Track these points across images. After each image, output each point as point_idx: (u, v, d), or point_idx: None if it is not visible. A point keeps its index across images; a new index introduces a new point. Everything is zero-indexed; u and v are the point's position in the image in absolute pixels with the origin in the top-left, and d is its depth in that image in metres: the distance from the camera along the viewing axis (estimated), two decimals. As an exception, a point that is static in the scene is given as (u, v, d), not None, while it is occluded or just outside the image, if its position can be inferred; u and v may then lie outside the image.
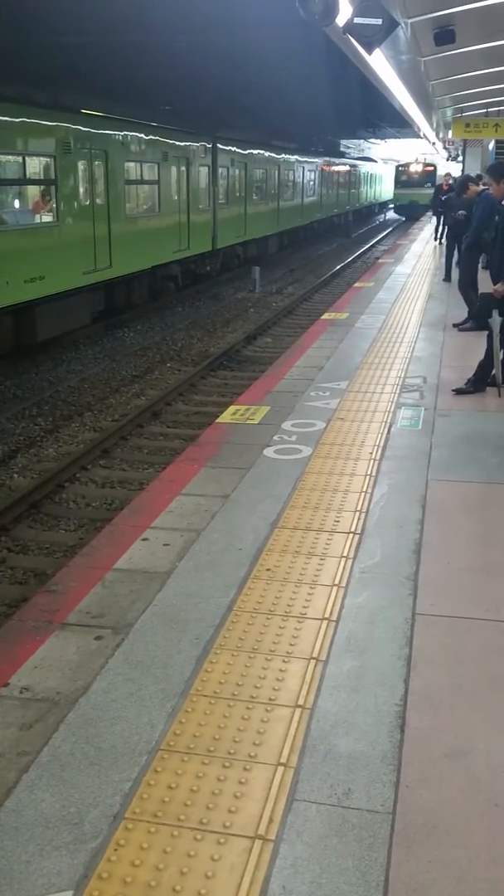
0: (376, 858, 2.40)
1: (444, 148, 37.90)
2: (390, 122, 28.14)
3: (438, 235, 22.60)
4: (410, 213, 45.59)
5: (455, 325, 10.94)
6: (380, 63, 11.45)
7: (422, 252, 21.96)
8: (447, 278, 15.41)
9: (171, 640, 3.52)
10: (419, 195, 46.02)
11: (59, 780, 2.70)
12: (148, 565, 4.23)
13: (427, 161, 49.31)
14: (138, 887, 2.30)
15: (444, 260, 16.48)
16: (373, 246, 33.36)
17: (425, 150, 49.29)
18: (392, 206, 53.52)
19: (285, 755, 2.82)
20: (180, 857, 2.40)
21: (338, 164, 41.04)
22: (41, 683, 3.22)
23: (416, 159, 49.41)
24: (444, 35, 10.35)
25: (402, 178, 48.22)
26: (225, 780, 2.71)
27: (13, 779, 2.70)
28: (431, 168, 47.76)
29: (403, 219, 48.00)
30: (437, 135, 31.88)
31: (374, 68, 12.00)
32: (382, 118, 26.89)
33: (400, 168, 49.05)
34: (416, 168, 48.12)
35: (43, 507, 7.67)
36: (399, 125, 28.91)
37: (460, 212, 12.71)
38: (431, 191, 42.33)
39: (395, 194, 50.48)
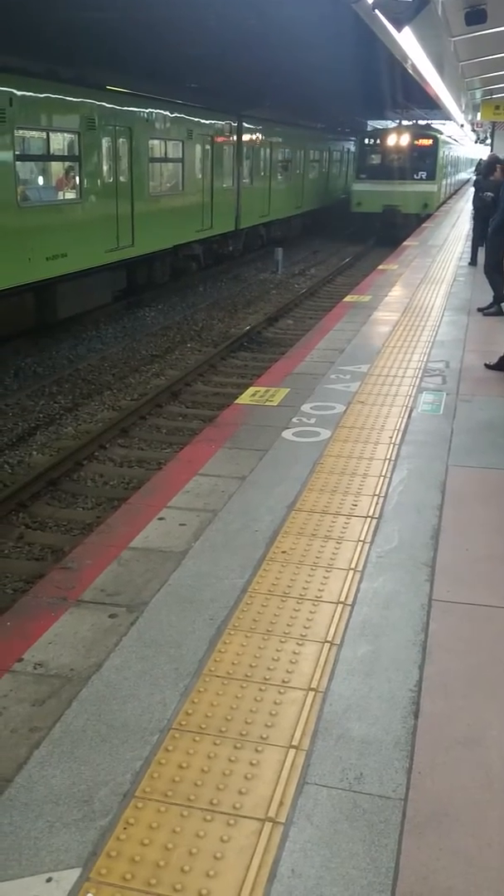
0: (387, 844, 2.38)
1: (473, 130, 37.26)
2: (418, 103, 27.20)
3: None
4: (388, 231, 25.37)
5: (480, 310, 10.83)
6: (409, 42, 11.27)
7: (448, 235, 21.72)
8: (473, 262, 15.25)
9: (185, 619, 3.51)
10: (405, 196, 25.85)
11: (70, 756, 2.70)
12: (163, 545, 4.22)
13: (420, 128, 28.34)
14: (147, 866, 2.30)
15: (470, 243, 16.29)
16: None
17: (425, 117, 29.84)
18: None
19: (297, 738, 2.80)
20: (189, 837, 2.40)
21: None
22: (55, 660, 3.23)
23: (399, 124, 28.67)
24: (476, 14, 10.15)
25: (371, 160, 26.74)
26: (236, 761, 2.70)
27: (24, 754, 2.71)
28: (430, 142, 26.72)
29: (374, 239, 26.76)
30: (466, 117, 31.46)
31: (402, 47, 11.81)
32: (410, 99, 25.85)
33: (367, 143, 27.29)
34: (397, 140, 26.37)
35: (61, 484, 7.69)
36: (427, 106, 28.16)
37: (487, 193, 12.54)
38: (430, 187, 26.71)
39: (353, 192, 27.29)
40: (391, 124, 30.20)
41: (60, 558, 5.52)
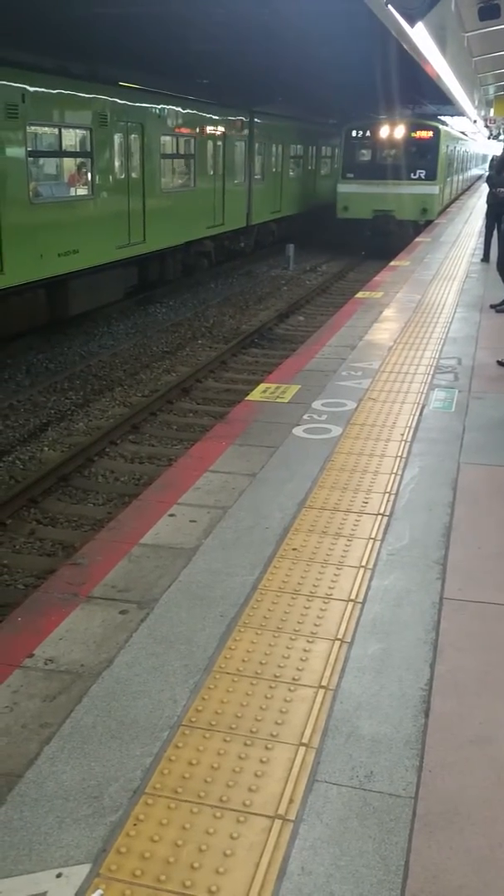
0: (397, 843, 2.37)
1: (486, 126, 37.03)
2: (430, 98, 26.85)
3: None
4: (379, 240, 22.11)
5: (492, 307, 10.78)
6: (421, 37, 11.22)
7: (460, 232, 21.62)
8: (485, 258, 15.18)
9: (196, 616, 3.51)
10: (400, 200, 22.34)
11: (80, 752, 2.70)
12: (174, 541, 4.22)
13: (418, 119, 24.09)
14: (156, 863, 2.30)
15: (482, 239, 16.23)
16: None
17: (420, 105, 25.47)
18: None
19: (307, 735, 2.80)
20: (199, 834, 2.40)
21: None
22: (65, 655, 3.23)
23: (395, 116, 23.31)
24: (489, 10, 10.11)
25: (360, 156, 23.12)
26: (246, 758, 2.70)
27: (35, 750, 2.71)
28: (430, 135, 22.96)
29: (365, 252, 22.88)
30: (479, 112, 31.20)
31: (415, 42, 11.76)
32: (422, 94, 25.56)
33: (354, 135, 23.28)
34: (390, 133, 22.65)
35: (72, 480, 7.70)
36: (439, 102, 27.96)
37: (500, 189, 12.48)
38: (430, 188, 22.84)
39: (339, 194, 23.44)
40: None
41: (71, 554, 5.52)
